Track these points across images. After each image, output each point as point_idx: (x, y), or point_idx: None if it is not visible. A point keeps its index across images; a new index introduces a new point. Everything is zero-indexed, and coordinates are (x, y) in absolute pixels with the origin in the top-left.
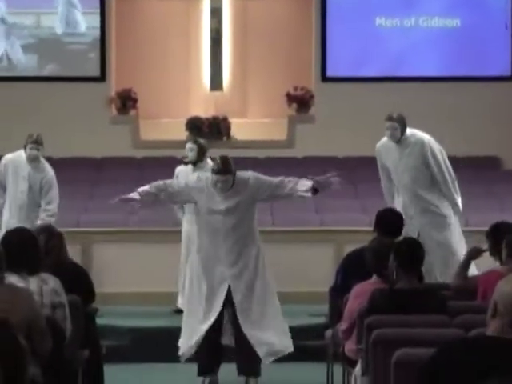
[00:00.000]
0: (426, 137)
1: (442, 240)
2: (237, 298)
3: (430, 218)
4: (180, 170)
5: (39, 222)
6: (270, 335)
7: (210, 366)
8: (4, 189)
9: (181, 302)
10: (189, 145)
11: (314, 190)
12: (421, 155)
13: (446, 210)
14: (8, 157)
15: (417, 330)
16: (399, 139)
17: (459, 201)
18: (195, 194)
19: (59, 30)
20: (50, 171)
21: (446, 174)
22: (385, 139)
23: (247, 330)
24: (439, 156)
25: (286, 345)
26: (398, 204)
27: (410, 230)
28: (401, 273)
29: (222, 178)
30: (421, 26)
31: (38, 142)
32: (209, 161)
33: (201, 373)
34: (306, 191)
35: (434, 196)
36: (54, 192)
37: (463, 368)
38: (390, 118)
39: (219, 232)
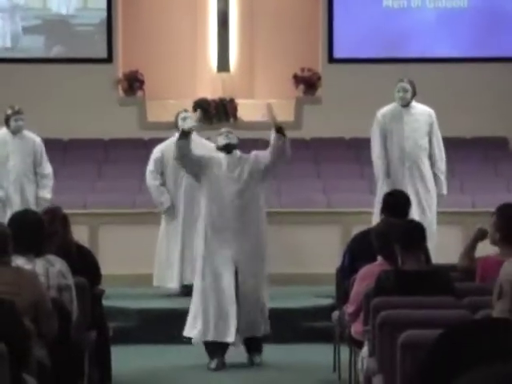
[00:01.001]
0: (431, 110)
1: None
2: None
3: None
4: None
5: (43, 192)
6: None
7: (217, 348)
8: None
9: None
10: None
11: (277, 132)
12: (427, 124)
13: (432, 186)
14: None
15: (423, 312)
16: (408, 103)
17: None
18: (209, 169)
19: (65, 12)
20: (36, 137)
21: (443, 152)
22: (389, 106)
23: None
24: (439, 132)
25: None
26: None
27: None
28: (406, 254)
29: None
30: (428, 7)
31: (21, 113)
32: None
33: (209, 355)
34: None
35: (427, 169)
36: (45, 159)
37: (470, 350)
38: (401, 80)
39: (226, 198)
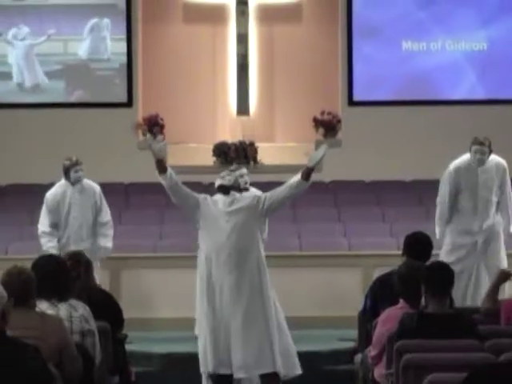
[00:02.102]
0: (504, 162)
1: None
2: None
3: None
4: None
5: (104, 241)
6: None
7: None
8: (55, 226)
9: None
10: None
11: (305, 174)
12: (500, 177)
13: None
14: (51, 192)
15: (447, 355)
16: (484, 163)
17: None
18: (204, 205)
19: (86, 56)
20: (96, 186)
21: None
22: (461, 160)
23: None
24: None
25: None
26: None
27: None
28: (430, 297)
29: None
30: (447, 50)
31: (80, 163)
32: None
33: None
34: (297, 176)
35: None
36: (105, 207)
37: None
38: (480, 143)
39: (222, 233)
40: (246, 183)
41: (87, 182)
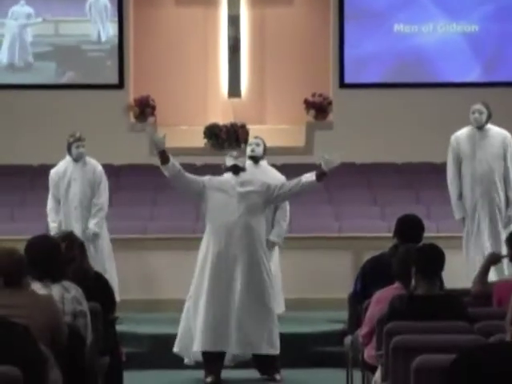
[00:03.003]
0: (507, 133)
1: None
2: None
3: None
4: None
5: (91, 223)
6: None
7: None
8: (58, 202)
9: None
10: (255, 140)
11: (319, 176)
12: (501, 147)
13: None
14: (54, 168)
15: (437, 337)
16: (483, 125)
17: None
18: (210, 187)
19: (77, 38)
20: (98, 165)
21: None
22: (463, 129)
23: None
24: None
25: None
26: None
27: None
28: (420, 279)
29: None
30: (439, 32)
31: (82, 139)
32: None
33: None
34: (311, 176)
35: (500, 194)
36: (103, 189)
37: (484, 374)
38: (477, 103)
39: (233, 213)
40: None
41: (90, 160)
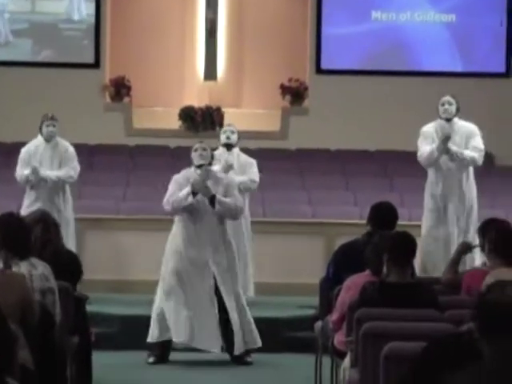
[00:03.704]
0: (475, 126)
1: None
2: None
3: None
4: None
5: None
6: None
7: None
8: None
9: None
10: (230, 127)
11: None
12: (469, 139)
13: (473, 205)
14: (24, 149)
15: (407, 324)
16: (452, 117)
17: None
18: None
19: (54, 16)
20: (69, 146)
21: (481, 152)
22: (428, 125)
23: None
24: (482, 144)
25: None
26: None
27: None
28: (392, 266)
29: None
30: (416, 20)
31: (54, 119)
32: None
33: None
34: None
35: (470, 185)
36: (75, 163)
37: (452, 363)
38: (446, 95)
39: (198, 213)
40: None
41: (62, 141)
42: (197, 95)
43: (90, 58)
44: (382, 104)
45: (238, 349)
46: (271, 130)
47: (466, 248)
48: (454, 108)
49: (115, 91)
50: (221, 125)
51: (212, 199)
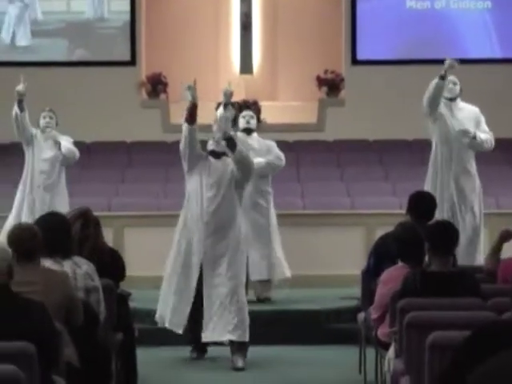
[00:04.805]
0: (477, 108)
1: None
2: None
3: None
4: None
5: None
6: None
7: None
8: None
9: None
10: (249, 112)
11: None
12: (474, 121)
13: (477, 185)
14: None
15: (450, 313)
16: (456, 97)
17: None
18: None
19: (89, 15)
20: (62, 140)
21: (490, 138)
22: None
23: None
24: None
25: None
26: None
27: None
28: (433, 255)
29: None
30: (451, 8)
31: (51, 111)
32: None
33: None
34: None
35: (473, 167)
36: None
37: (497, 351)
38: (451, 75)
39: (202, 202)
40: None
41: (57, 135)
42: (233, 89)
43: (125, 56)
44: (418, 93)
45: (205, 337)
46: (308, 122)
47: (506, 235)
48: (458, 88)
49: (152, 88)
50: (258, 119)
51: (231, 141)
